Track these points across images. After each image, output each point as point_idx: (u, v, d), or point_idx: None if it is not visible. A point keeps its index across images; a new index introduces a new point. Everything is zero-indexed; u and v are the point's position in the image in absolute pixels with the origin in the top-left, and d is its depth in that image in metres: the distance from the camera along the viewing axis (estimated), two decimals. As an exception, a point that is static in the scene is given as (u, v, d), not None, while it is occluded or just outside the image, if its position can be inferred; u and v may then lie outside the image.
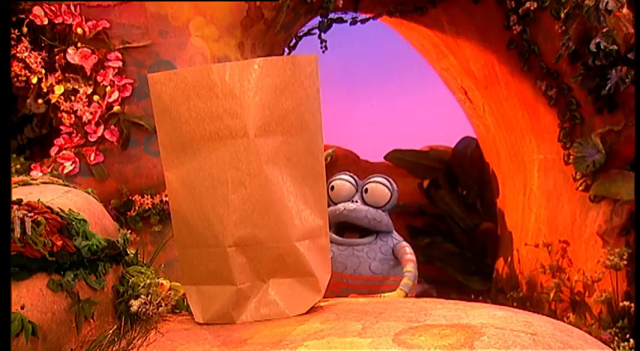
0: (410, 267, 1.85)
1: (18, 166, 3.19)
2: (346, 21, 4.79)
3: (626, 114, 3.94)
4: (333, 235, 1.95)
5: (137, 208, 3.32)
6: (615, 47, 3.76)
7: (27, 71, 3.29)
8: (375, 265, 1.90)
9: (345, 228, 1.98)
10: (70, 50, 3.29)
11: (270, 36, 3.94)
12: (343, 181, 2.01)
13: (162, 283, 1.60)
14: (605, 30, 3.77)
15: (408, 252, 1.91)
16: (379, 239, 1.95)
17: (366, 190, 1.98)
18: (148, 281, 1.55)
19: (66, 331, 1.37)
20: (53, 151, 3.32)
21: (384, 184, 1.98)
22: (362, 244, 1.93)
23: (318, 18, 4.47)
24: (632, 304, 3.62)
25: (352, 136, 7.28)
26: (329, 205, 1.98)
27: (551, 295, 4.27)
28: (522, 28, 4.34)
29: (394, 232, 2.01)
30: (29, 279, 1.33)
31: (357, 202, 1.96)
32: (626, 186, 3.89)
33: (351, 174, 2.05)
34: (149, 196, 3.33)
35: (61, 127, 3.33)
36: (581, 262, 4.19)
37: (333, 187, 2.00)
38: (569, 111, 4.25)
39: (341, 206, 1.96)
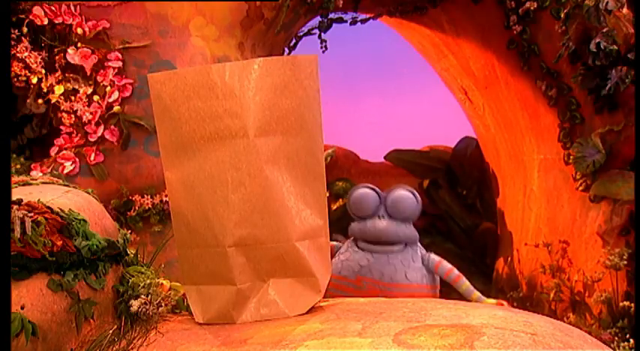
0: (465, 282, 1.99)
1: (18, 166, 3.19)
2: (346, 21, 4.79)
3: (626, 114, 3.94)
4: (365, 244, 1.99)
5: (137, 208, 3.31)
6: (615, 47, 3.75)
7: (27, 71, 3.28)
8: (410, 273, 1.96)
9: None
10: (70, 50, 3.28)
11: (270, 36, 3.94)
12: (367, 195, 2.01)
13: (162, 283, 1.60)
14: (605, 30, 3.76)
15: (450, 268, 2.02)
16: (409, 248, 2.00)
17: (392, 202, 1.99)
18: (148, 281, 1.55)
19: (66, 331, 1.37)
20: (53, 151, 3.32)
21: (408, 196, 2.01)
22: (395, 252, 1.97)
23: (318, 18, 4.46)
24: (632, 304, 3.62)
25: (352, 136, 7.29)
26: (353, 220, 2.02)
27: (551, 295, 4.27)
28: (522, 28, 4.34)
29: None
30: (29, 279, 1.33)
31: (383, 216, 1.98)
32: (626, 186, 3.89)
33: (372, 186, 2.05)
34: (149, 196, 3.32)
35: (61, 127, 3.33)
36: (581, 262, 4.19)
37: (358, 201, 2.01)
38: (569, 111, 4.25)
39: (370, 225, 1.98)
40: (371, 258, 1.96)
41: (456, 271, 2.03)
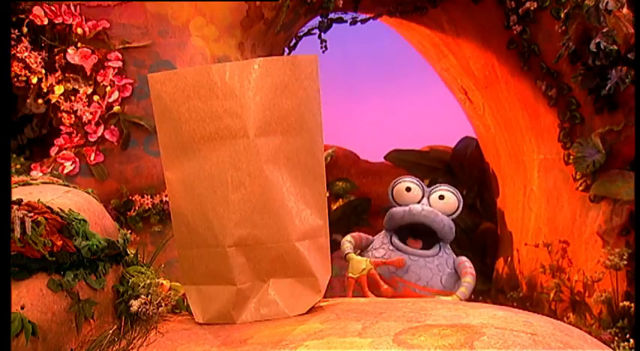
0: (469, 278, 1.91)
1: (18, 166, 3.19)
2: (346, 21, 4.79)
3: (626, 114, 3.94)
4: (400, 244, 1.94)
5: (137, 208, 3.31)
6: (615, 47, 3.75)
7: (27, 71, 3.28)
8: (445, 279, 1.93)
9: (407, 234, 1.97)
10: (70, 50, 3.28)
11: (270, 36, 3.94)
12: (415, 185, 2.00)
13: (162, 283, 1.60)
14: (605, 30, 3.77)
15: (468, 266, 1.97)
16: (444, 252, 1.97)
17: (442, 197, 1.98)
18: (148, 281, 1.55)
19: (66, 331, 1.37)
20: (53, 151, 3.32)
21: (455, 195, 2.01)
22: (432, 255, 1.94)
23: (318, 18, 4.47)
24: (632, 304, 3.62)
25: (352, 136, 7.29)
26: (393, 207, 2.00)
27: (551, 295, 4.27)
28: (522, 28, 4.34)
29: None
30: (29, 279, 1.33)
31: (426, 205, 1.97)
32: (626, 186, 3.89)
33: (417, 178, 2.06)
34: (149, 196, 3.32)
35: (61, 127, 3.33)
36: (581, 262, 4.19)
37: (409, 189, 2.00)
38: (569, 111, 4.25)
39: (418, 206, 1.94)
40: (408, 260, 1.92)
41: (468, 269, 1.98)
